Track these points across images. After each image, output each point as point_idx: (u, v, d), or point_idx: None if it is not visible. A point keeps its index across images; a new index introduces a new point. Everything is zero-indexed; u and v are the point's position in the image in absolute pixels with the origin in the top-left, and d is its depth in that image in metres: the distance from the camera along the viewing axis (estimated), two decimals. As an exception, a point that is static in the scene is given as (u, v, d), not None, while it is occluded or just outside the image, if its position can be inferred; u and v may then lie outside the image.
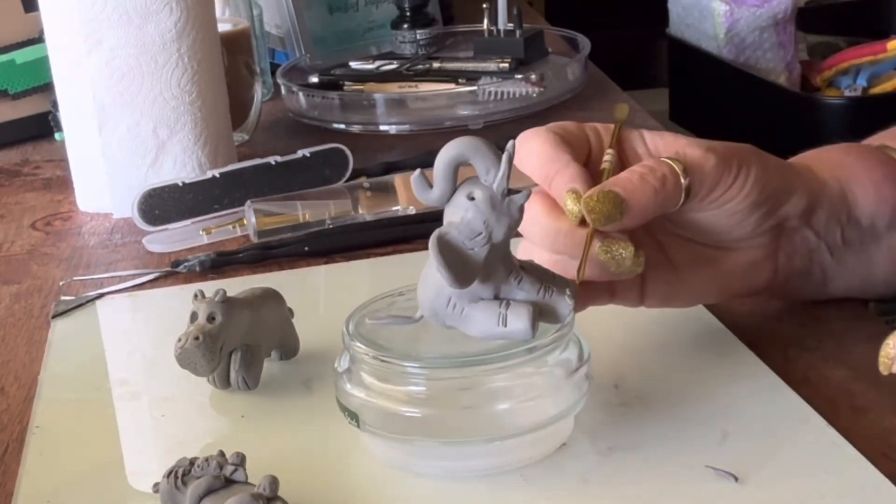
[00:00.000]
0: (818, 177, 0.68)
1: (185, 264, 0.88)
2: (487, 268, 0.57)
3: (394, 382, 0.58)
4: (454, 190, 0.57)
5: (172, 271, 0.88)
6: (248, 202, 0.93)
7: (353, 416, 0.59)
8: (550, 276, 0.59)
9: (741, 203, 0.64)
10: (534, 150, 0.63)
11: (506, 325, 0.57)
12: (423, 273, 0.58)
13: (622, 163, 0.64)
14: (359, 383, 0.59)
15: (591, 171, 0.62)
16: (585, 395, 0.60)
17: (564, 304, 0.58)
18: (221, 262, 0.88)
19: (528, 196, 0.57)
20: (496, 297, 0.58)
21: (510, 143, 0.57)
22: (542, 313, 0.58)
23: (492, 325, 0.57)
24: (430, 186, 0.57)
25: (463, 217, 0.56)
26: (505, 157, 0.55)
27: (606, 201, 0.58)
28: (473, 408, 0.58)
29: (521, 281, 0.58)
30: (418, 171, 0.57)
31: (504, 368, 0.57)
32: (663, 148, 0.64)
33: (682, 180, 0.60)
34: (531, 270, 0.59)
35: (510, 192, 0.56)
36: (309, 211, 0.94)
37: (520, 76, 1.24)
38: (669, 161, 0.61)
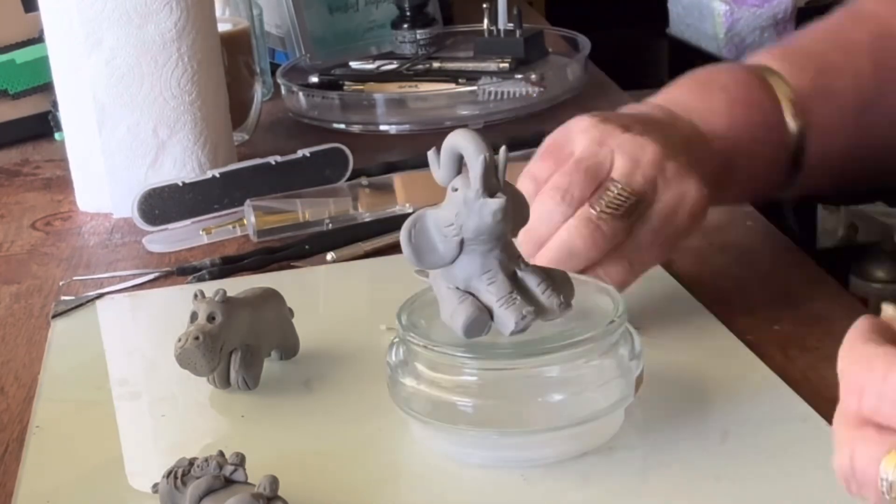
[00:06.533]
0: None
1: (195, 275, 0.87)
2: (480, 260, 0.58)
3: (447, 372, 0.59)
4: (456, 174, 0.58)
5: (172, 271, 0.88)
6: (248, 201, 0.93)
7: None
8: (554, 276, 0.60)
9: None
10: None
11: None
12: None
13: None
14: (412, 374, 0.60)
15: None
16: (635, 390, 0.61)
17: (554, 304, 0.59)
18: (229, 271, 0.87)
19: (502, 204, 0.57)
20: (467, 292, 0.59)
21: (502, 149, 0.57)
22: (540, 312, 0.58)
23: None
24: None
25: (444, 205, 0.58)
26: (481, 159, 0.56)
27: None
28: (526, 398, 0.58)
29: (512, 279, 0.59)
30: (434, 148, 0.58)
31: (556, 360, 0.58)
32: None
33: None
34: (534, 271, 0.59)
35: (491, 194, 0.57)
36: (309, 210, 0.94)
37: (520, 76, 1.24)
38: None
